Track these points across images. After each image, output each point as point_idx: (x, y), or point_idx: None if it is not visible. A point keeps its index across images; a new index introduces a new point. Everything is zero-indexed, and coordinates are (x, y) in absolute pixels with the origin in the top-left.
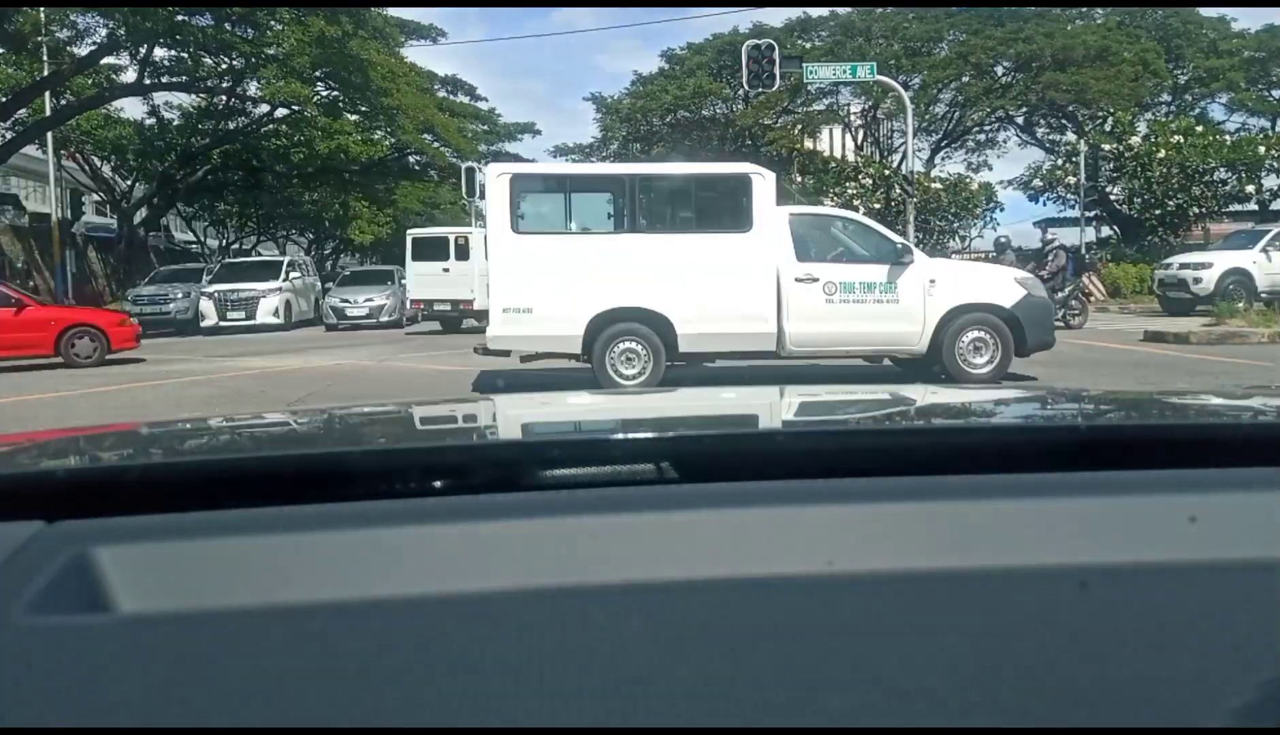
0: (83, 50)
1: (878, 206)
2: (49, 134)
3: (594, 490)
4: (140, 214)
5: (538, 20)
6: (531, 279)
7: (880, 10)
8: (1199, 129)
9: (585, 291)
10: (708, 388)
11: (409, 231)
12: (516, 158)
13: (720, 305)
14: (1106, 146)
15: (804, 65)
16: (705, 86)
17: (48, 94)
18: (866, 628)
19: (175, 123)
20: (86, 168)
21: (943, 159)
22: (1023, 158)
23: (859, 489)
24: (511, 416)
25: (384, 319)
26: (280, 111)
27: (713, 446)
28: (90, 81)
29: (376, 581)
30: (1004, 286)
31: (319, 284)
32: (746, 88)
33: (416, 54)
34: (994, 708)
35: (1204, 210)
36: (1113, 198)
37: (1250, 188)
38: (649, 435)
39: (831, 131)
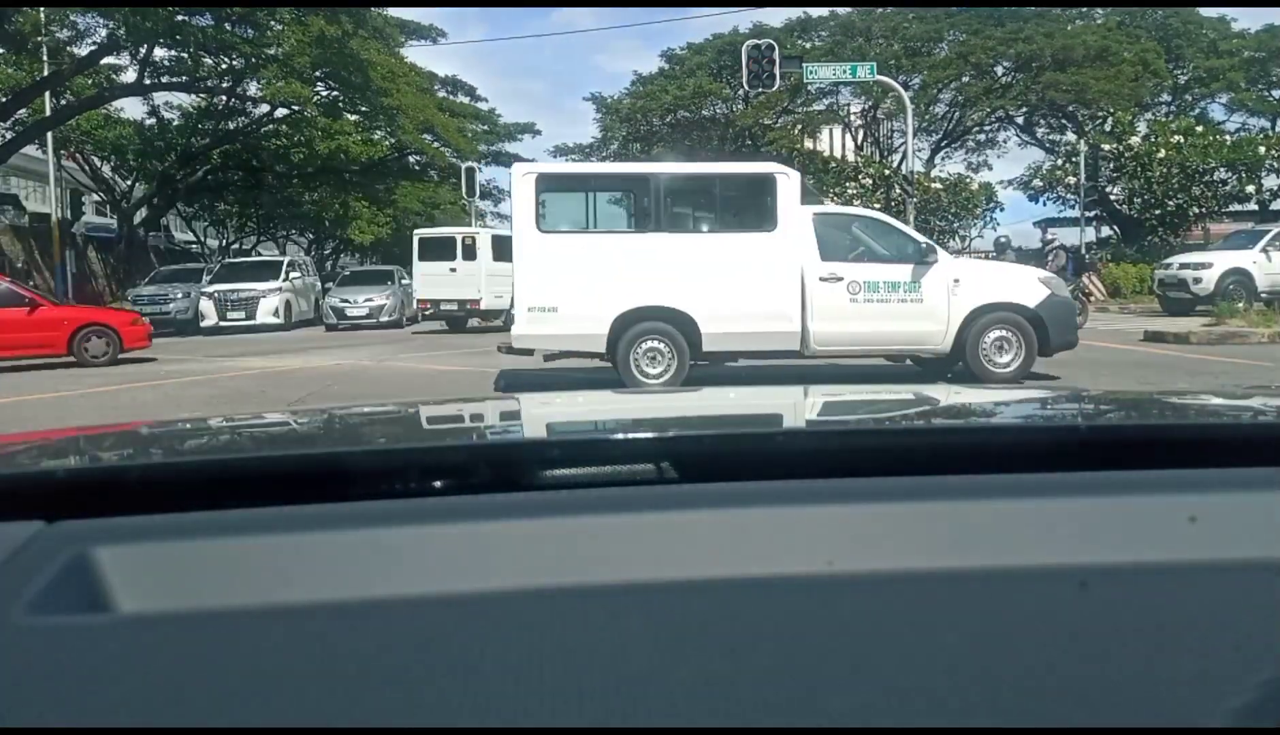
0: (83, 50)
1: (878, 206)
2: (49, 134)
3: (594, 490)
4: (140, 214)
5: (538, 20)
6: (556, 278)
7: (880, 10)
8: (1199, 129)
9: (610, 290)
10: (710, 388)
11: (416, 231)
12: (516, 158)
13: (744, 304)
14: (1106, 146)
15: (804, 65)
16: (705, 86)
17: (48, 94)
18: (866, 628)
19: (175, 123)
20: (86, 168)
21: (943, 159)
22: (1023, 158)
23: (859, 489)
24: (511, 416)
25: (384, 319)
26: (280, 111)
27: (713, 446)
28: (90, 81)
29: (376, 581)
30: (1028, 286)
31: (319, 284)
32: (746, 88)
33: (416, 54)
34: (994, 708)
35: (1204, 210)
36: (1113, 198)
37: (1250, 188)
38: (649, 435)
39: (831, 131)
